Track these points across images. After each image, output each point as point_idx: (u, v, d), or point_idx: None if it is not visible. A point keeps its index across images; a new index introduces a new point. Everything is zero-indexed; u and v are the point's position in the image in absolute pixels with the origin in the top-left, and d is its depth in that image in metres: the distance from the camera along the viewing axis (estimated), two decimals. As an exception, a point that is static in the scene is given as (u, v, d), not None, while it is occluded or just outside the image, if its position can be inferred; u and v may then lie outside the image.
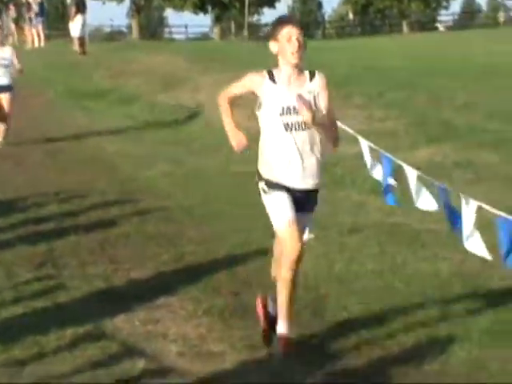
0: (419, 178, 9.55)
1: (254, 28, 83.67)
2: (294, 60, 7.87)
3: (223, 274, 10.39)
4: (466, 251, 8.64)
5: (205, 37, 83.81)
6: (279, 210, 8.22)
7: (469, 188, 12.89)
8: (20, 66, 16.41)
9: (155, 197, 14.45)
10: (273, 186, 8.22)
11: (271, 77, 8.06)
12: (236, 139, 8.51)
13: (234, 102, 8.57)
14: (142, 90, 27.87)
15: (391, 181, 9.98)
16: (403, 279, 10.20)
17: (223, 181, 16.08)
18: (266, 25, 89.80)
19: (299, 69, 8.02)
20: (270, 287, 9.64)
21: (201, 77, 27.88)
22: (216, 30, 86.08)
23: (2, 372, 7.46)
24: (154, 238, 11.83)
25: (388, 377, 7.56)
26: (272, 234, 11.89)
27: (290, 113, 7.90)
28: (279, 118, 7.99)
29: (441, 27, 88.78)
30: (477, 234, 8.35)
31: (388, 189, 10.12)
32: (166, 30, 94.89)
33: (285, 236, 8.30)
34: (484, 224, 8.42)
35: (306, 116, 7.68)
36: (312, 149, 8.08)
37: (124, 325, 8.68)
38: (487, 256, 8.28)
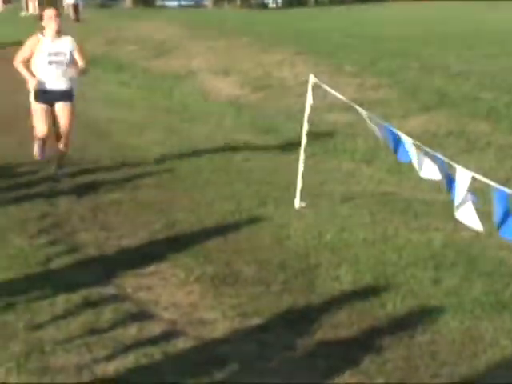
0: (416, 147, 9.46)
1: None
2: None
3: (214, 241, 10.33)
4: (459, 221, 8.58)
5: (197, 4, 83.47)
6: None
7: (461, 157, 12.86)
8: (84, 64, 13.88)
9: (147, 164, 14.38)
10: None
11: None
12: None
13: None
14: (135, 56, 27.83)
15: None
16: (395, 249, 10.16)
17: (214, 148, 16.00)
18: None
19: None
20: (260, 254, 9.66)
21: (193, 44, 27.82)
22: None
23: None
24: (145, 206, 11.78)
25: (379, 347, 7.53)
26: (261, 202, 11.94)
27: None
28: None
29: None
30: (469, 204, 8.31)
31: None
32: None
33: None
34: (477, 194, 8.37)
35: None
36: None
37: (116, 292, 8.63)
38: (479, 227, 8.25)
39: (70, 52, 13.62)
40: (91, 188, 12.59)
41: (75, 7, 39.37)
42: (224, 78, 23.59)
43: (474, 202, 8.39)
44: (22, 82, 13.47)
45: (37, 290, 8.51)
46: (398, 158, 10.36)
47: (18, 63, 13.19)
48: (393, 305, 8.49)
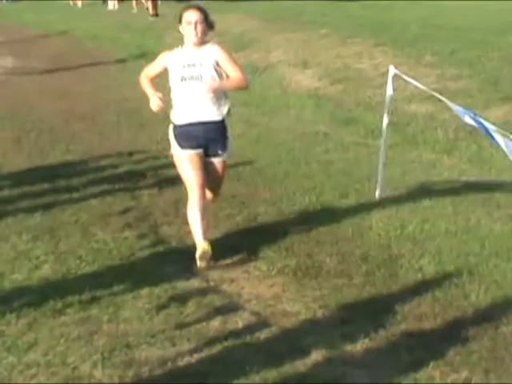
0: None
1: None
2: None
3: (296, 234, 10.33)
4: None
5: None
6: None
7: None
8: (238, 77, 9.87)
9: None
10: None
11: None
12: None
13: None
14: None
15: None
16: (478, 239, 10.09)
17: (294, 140, 15.99)
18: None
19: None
20: (342, 246, 9.65)
21: (272, 36, 27.79)
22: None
23: (79, 330, 7.48)
24: (226, 199, 11.78)
25: (463, 338, 7.49)
26: (342, 194, 11.92)
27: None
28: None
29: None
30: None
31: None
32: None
33: None
34: None
35: None
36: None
37: (199, 285, 8.66)
38: None
39: (215, 63, 9.78)
40: (171, 182, 12.64)
41: (154, 1, 39.44)
42: (303, 70, 23.53)
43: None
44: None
45: (121, 284, 8.57)
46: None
47: (141, 77, 10.17)
48: (476, 295, 8.44)
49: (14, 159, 13.88)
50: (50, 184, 12.56)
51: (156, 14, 38.93)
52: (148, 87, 9.92)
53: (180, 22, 9.83)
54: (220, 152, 9.82)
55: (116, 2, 43.75)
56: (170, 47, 10.14)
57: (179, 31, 9.76)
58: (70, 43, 30.89)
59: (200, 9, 9.90)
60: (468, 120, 10.80)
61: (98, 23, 35.35)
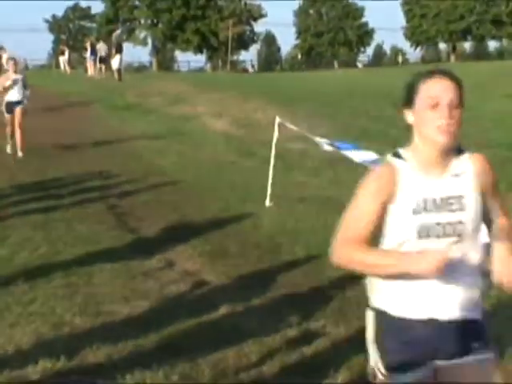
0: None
1: (234, 64, 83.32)
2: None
3: (210, 227, 10.37)
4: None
5: (201, 70, 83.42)
6: None
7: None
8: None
9: (166, 176, 14.40)
10: None
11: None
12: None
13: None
14: (158, 104, 27.81)
15: None
16: (333, 234, 10.18)
17: (211, 166, 16.03)
18: (242, 61, 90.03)
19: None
20: (242, 237, 9.67)
21: (198, 96, 27.84)
22: (208, 65, 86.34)
23: (64, 291, 7.43)
24: (165, 204, 11.81)
25: (320, 299, 7.58)
26: (242, 201, 11.94)
27: None
28: None
29: (360, 65, 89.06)
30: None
31: None
32: (175, 64, 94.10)
33: None
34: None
35: None
36: None
37: (146, 262, 8.65)
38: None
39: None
40: (131, 191, 12.58)
41: (119, 71, 39.25)
42: (218, 118, 23.63)
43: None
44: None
45: (92, 260, 8.54)
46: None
47: (341, 250, 3.39)
48: (332, 271, 8.48)
49: (22, 175, 13.72)
50: (45, 192, 12.49)
51: (120, 79, 38.68)
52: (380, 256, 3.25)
53: (409, 100, 3.31)
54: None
55: (93, 70, 43.13)
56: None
57: (404, 121, 3.40)
58: (60, 97, 30.60)
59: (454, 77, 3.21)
60: (326, 147, 11.01)
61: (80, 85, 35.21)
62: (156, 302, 7.29)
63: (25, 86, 17.34)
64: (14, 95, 16.99)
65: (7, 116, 17.08)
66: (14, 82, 16.96)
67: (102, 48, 43.43)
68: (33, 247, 9.11)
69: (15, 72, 17.19)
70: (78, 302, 7.21)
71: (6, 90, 16.91)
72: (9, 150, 17.18)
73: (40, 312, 6.88)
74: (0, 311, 6.83)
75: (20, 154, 16.69)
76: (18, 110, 16.92)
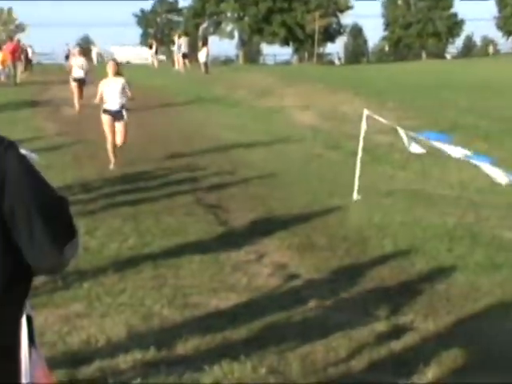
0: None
1: (321, 56, 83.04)
2: None
3: (298, 221, 10.36)
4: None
5: (287, 63, 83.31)
6: None
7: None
8: None
9: (254, 169, 14.40)
10: None
11: None
12: None
13: None
14: (244, 97, 27.87)
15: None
16: (421, 228, 10.11)
17: (300, 159, 15.99)
18: (328, 54, 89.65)
19: None
20: (330, 230, 9.66)
21: (285, 88, 27.82)
22: (295, 58, 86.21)
23: (153, 283, 7.52)
24: (253, 197, 11.84)
25: (412, 293, 7.53)
26: (330, 195, 11.92)
27: None
28: None
29: (448, 56, 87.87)
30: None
31: None
32: (261, 57, 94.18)
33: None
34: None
35: None
36: None
37: (234, 254, 8.70)
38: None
39: None
40: (218, 184, 12.66)
41: (205, 64, 39.43)
42: (305, 111, 23.58)
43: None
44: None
45: (180, 252, 8.63)
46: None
47: None
48: (420, 265, 8.48)
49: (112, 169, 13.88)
50: (133, 185, 12.63)
51: (207, 72, 38.87)
52: None
53: None
54: None
55: (181, 66, 43.32)
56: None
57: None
58: (148, 91, 30.97)
59: None
60: (414, 149, 10.90)
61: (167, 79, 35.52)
62: (244, 295, 7.30)
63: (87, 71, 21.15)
64: (78, 72, 19.99)
65: (73, 84, 21.60)
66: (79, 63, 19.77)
67: (183, 43, 43.61)
68: (122, 239, 9.18)
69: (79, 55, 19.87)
70: (166, 293, 7.26)
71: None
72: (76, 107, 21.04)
73: (129, 303, 6.95)
74: (91, 301, 6.91)
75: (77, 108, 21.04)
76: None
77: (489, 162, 10.05)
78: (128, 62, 52.17)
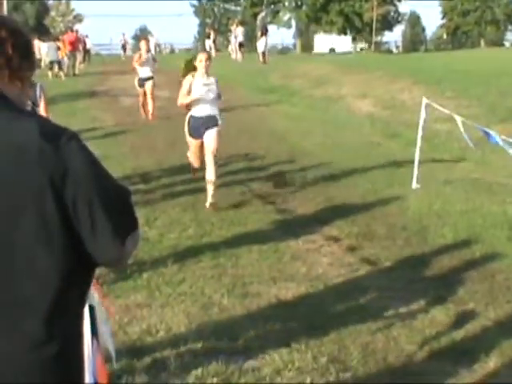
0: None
1: (378, 45, 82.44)
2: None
3: (357, 210, 10.35)
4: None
5: (344, 52, 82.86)
6: None
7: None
8: None
9: (312, 157, 14.34)
10: None
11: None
12: None
13: None
14: (302, 86, 27.78)
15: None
16: (481, 216, 10.00)
17: (358, 148, 15.90)
18: (385, 43, 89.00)
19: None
20: (389, 219, 9.61)
21: (343, 77, 27.64)
22: (352, 46, 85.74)
23: (212, 272, 7.55)
24: (311, 185, 11.81)
25: (471, 281, 7.46)
26: (389, 184, 11.83)
27: None
28: None
29: (507, 44, 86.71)
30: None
31: None
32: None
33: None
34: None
35: None
36: None
37: (293, 243, 8.69)
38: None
39: None
40: (273, 174, 12.66)
41: (263, 54, 39.34)
42: (363, 99, 23.44)
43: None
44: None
45: (240, 242, 8.66)
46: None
47: None
48: (480, 253, 8.41)
49: (169, 159, 13.89)
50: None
51: (265, 62, 38.76)
52: None
53: None
54: None
55: (238, 55, 43.23)
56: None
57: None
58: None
59: None
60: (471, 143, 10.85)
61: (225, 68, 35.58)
62: (303, 284, 7.32)
63: (154, 60, 19.13)
64: (144, 72, 18.67)
65: (139, 90, 19.11)
66: (146, 60, 18.53)
67: (239, 32, 43.64)
68: (181, 229, 9.26)
69: (147, 51, 18.52)
70: (225, 282, 7.31)
71: (140, 65, 18.65)
72: (143, 115, 19.33)
73: (189, 292, 7.01)
74: (151, 292, 6.98)
75: (150, 118, 19.13)
76: (149, 83, 18.75)
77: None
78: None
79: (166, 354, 5.58)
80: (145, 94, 19.08)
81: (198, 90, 10.14)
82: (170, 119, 17.68)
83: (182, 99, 10.28)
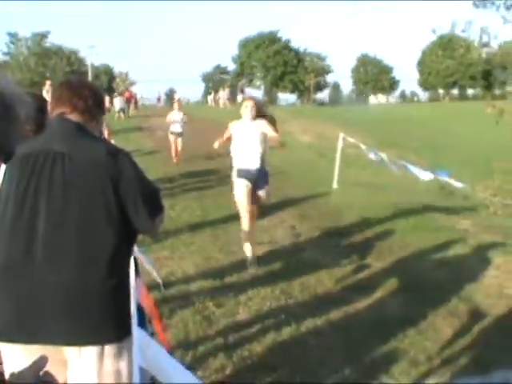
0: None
1: (313, 100, 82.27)
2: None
3: (306, 202, 10.16)
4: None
5: (293, 104, 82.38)
6: None
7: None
8: None
9: (273, 169, 14.10)
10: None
11: None
12: None
13: None
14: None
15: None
16: (376, 205, 9.92)
17: (299, 163, 15.66)
18: (318, 99, 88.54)
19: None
20: (323, 221, 9.35)
21: (292, 120, 27.35)
22: (298, 101, 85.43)
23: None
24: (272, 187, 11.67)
25: (365, 243, 7.40)
26: (318, 183, 11.52)
27: None
28: None
29: (392, 99, 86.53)
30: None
31: None
32: (278, 101, 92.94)
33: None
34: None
35: None
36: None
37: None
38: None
39: None
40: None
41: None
42: (304, 134, 23.34)
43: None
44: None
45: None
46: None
47: None
48: (378, 227, 8.32)
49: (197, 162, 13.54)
50: (199, 178, 12.53)
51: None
52: None
53: None
54: None
55: (226, 105, 42.77)
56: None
57: None
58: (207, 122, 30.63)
59: None
60: (371, 156, 10.76)
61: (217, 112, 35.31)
62: (267, 246, 7.19)
63: (184, 122, 15.13)
64: (176, 127, 14.91)
65: (171, 138, 15.05)
66: (177, 119, 14.99)
67: (227, 92, 45.23)
68: (191, 211, 9.14)
69: (179, 110, 15.16)
70: (219, 244, 7.24)
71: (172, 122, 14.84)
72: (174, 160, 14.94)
73: (197, 250, 6.94)
74: (173, 249, 6.91)
75: (175, 161, 14.61)
76: (179, 140, 14.93)
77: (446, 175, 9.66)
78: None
79: (183, 288, 5.56)
80: (175, 141, 14.90)
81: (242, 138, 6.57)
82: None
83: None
